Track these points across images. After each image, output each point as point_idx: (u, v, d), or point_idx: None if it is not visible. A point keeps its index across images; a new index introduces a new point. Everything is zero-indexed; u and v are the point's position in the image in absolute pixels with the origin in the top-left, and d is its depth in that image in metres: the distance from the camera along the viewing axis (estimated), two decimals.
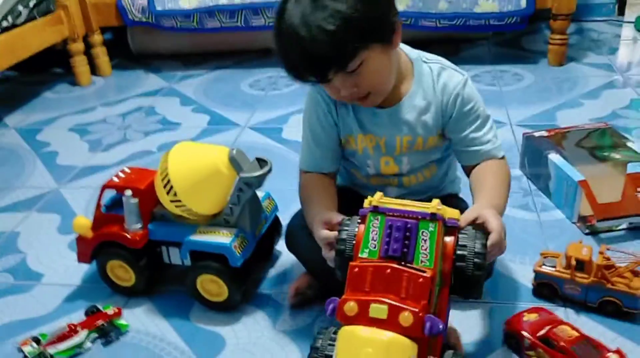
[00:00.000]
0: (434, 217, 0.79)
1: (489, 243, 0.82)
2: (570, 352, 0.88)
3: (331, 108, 1.03)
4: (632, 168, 1.27)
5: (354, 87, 0.92)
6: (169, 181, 1.05)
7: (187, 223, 1.11)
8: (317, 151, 1.06)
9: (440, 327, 0.73)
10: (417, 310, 0.73)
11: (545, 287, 1.08)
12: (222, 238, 1.07)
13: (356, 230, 0.83)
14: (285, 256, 1.24)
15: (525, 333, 0.95)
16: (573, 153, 1.38)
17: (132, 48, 2.59)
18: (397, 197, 1.10)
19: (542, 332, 0.93)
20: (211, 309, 1.13)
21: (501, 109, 1.88)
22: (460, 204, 1.10)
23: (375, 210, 0.82)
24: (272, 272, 1.23)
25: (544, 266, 1.08)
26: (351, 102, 0.99)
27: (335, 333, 0.81)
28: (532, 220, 1.32)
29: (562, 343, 0.90)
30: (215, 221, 1.11)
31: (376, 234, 0.81)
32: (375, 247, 0.80)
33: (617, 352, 0.89)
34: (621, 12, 2.74)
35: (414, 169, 1.07)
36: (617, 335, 0.99)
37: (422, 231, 0.79)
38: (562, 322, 0.96)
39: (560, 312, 1.04)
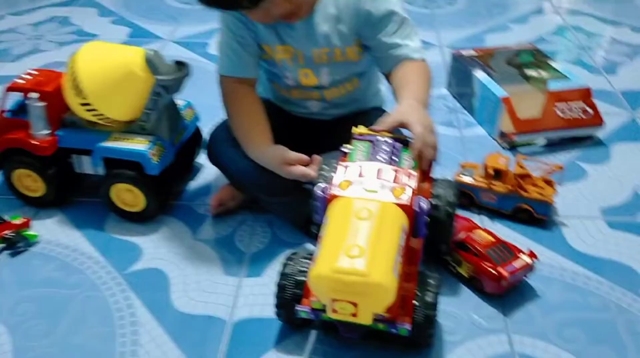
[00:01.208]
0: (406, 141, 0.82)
1: (414, 146, 0.81)
2: (485, 254, 0.91)
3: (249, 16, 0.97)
4: (552, 85, 1.30)
5: (286, 3, 0.89)
6: (78, 83, 0.98)
7: (100, 130, 1.05)
8: (240, 50, 1.00)
9: (426, 210, 0.75)
10: (409, 187, 0.74)
11: (463, 196, 1.10)
12: (138, 145, 1.02)
13: (332, 174, 0.81)
14: (207, 168, 1.21)
15: None
16: (502, 71, 1.39)
17: None
18: (320, 110, 1.09)
19: (459, 236, 0.95)
20: (128, 220, 1.09)
21: (432, 31, 1.87)
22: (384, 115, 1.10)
23: (361, 138, 0.83)
24: (193, 184, 1.20)
25: (462, 176, 1.10)
26: (275, 21, 0.94)
27: (305, 258, 0.82)
28: (454, 136, 1.34)
29: (476, 247, 0.92)
30: (130, 128, 1.05)
31: (362, 154, 0.82)
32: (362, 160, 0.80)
33: (530, 253, 0.92)
34: None
35: (335, 82, 1.04)
36: (528, 239, 1.03)
37: (405, 154, 0.82)
38: (478, 228, 0.98)
39: (476, 220, 1.06)
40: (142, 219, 1.08)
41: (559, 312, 0.90)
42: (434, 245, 0.86)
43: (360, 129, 0.86)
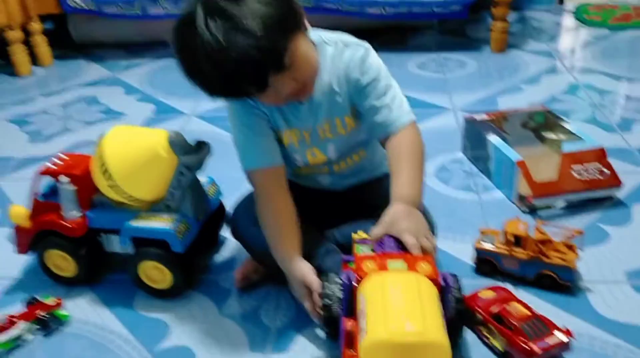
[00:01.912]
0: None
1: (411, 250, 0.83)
2: (519, 328, 0.90)
3: (257, 103, 0.99)
4: (567, 147, 1.32)
5: (292, 82, 0.89)
6: (105, 166, 1.03)
7: (127, 210, 1.09)
8: (259, 140, 1.01)
9: (452, 285, 0.77)
10: (433, 263, 0.75)
11: (485, 264, 1.11)
12: (163, 223, 1.06)
13: (338, 290, 0.83)
14: (231, 242, 1.23)
15: (478, 309, 0.96)
16: (517, 134, 1.41)
17: (74, 37, 2.52)
18: (330, 183, 1.11)
19: (494, 309, 0.95)
20: (155, 297, 1.11)
21: (445, 95, 1.92)
22: None
23: (362, 242, 0.86)
24: (218, 258, 1.22)
25: (483, 243, 1.11)
26: (286, 102, 0.95)
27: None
28: (472, 201, 1.36)
29: (511, 320, 0.92)
30: (156, 206, 1.09)
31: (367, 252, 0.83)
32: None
33: (566, 331, 0.91)
34: (562, 1, 2.82)
35: (343, 155, 1.07)
36: (553, 306, 1.03)
37: None
38: (515, 299, 0.98)
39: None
40: (169, 296, 1.10)
41: None
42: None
43: (360, 235, 0.89)
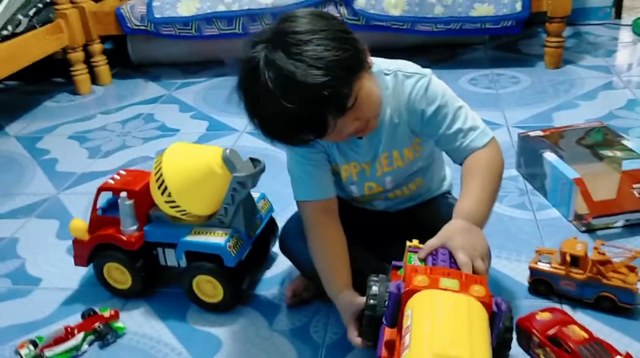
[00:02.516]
0: None
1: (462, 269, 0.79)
2: (576, 352, 0.87)
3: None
4: (627, 165, 1.27)
5: (355, 122, 0.87)
6: (163, 182, 1.06)
7: (182, 224, 1.12)
8: (315, 172, 1.00)
9: (504, 310, 0.74)
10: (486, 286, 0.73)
11: (541, 284, 1.08)
12: (217, 238, 1.08)
13: (387, 285, 0.81)
14: (282, 257, 1.24)
15: (534, 331, 0.94)
16: (572, 151, 1.38)
17: (132, 57, 2.61)
18: (385, 208, 1.10)
19: (551, 331, 0.92)
20: (207, 310, 1.13)
21: (498, 111, 1.89)
22: (450, 201, 1.11)
23: (414, 250, 0.84)
24: (269, 273, 1.23)
25: (539, 263, 1.08)
26: (348, 138, 0.93)
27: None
28: (528, 219, 1.32)
29: (569, 343, 0.89)
30: (210, 221, 1.11)
31: (418, 263, 0.81)
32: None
33: (627, 356, 0.87)
34: (618, 15, 2.75)
35: (399, 185, 1.06)
36: (613, 330, 0.99)
37: None
38: (574, 322, 0.94)
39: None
40: (221, 310, 1.12)
41: None
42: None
43: (415, 243, 0.86)
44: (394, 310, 0.76)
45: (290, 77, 0.80)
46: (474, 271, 0.79)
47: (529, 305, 1.04)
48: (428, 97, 0.95)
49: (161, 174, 1.06)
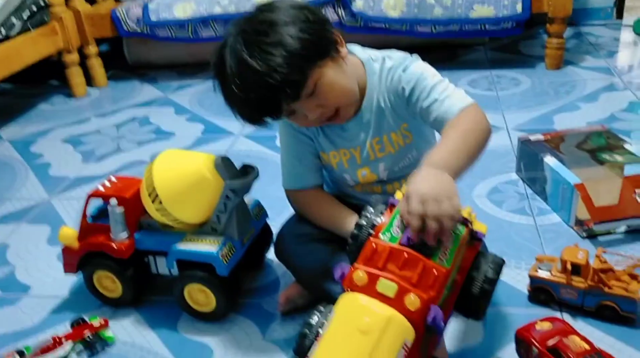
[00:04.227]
0: (464, 222, 0.78)
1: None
2: None
3: (303, 127, 1.02)
4: (629, 170, 1.25)
5: (319, 109, 0.91)
6: (154, 190, 1.03)
7: (174, 232, 1.09)
8: (299, 166, 1.06)
9: (442, 323, 0.72)
10: (425, 297, 0.71)
11: (541, 292, 1.05)
12: (209, 246, 1.05)
13: (378, 220, 0.81)
14: (277, 265, 1.22)
15: (534, 342, 0.91)
16: (573, 155, 1.35)
17: (128, 59, 2.59)
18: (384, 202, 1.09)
19: (551, 342, 0.89)
20: (199, 319, 1.10)
21: (498, 114, 1.86)
22: None
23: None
24: (263, 281, 1.21)
25: (539, 271, 1.05)
26: (322, 124, 0.97)
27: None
28: (528, 224, 1.30)
29: (569, 354, 0.86)
30: (202, 229, 1.08)
31: (401, 223, 0.78)
32: (397, 234, 0.78)
33: None
34: (619, 15, 2.72)
35: (395, 175, 1.05)
36: (615, 340, 0.97)
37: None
38: (574, 332, 0.92)
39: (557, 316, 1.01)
40: (213, 319, 1.09)
41: None
42: (464, 314, 0.83)
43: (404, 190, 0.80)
44: (341, 289, 0.76)
45: (244, 64, 0.84)
46: (425, 230, 0.74)
47: (528, 314, 1.02)
48: (408, 75, 0.95)
49: (152, 182, 1.04)
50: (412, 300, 0.71)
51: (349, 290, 0.75)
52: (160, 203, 1.03)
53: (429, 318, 0.71)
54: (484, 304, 0.80)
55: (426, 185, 0.75)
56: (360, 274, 0.73)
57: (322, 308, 0.81)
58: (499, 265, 0.81)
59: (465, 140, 0.84)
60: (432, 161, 0.80)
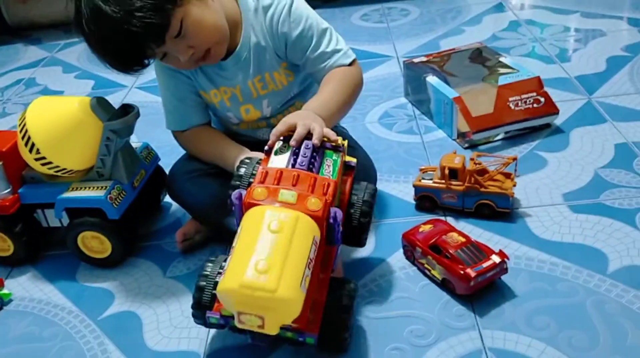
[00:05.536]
0: (338, 149, 0.83)
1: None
2: (455, 256, 0.91)
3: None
4: (503, 80, 1.32)
5: (189, 49, 0.89)
6: (30, 139, 1.00)
7: (60, 183, 1.07)
8: (181, 106, 1.05)
9: (341, 226, 0.77)
10: (324, 198, 0.75)
11: (425, 200, 1.11)
12: (97, 191, 1.04)
13: (255, 167, 0.83)
14: (176, 208, 1.22)
15: (417, 243, 0.97)
16: (466, 73, 1.40)
17: (8, 20, 2.43)
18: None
19: (432, 240, 0.95)
20: (98, 267, 1.10)
21: (389, 44, 1.90)
22: (338, 128, 1.12)
23: (283, 141, 0.84)
24: (162, 224, 1.21)
25: (422, 181, 1.11)
26: (197, 66, 0.96)
27: (226, 261, 0.81)
28: (416, 142, 1.35)
29: (447, 248, 0.92)
30: (89, 176, 1.07)
31: (284, 157, 0.81)
32: (281, 164, 0.81)
33: (500, 253, 0.92)
34: None
35: (279, 110, 1.06)
36: (494, 234, 1.04)
37: (327, 159, 0.82)
38: (453, 230, 0.98)
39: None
40: (111, 265, 1.09)
41: (527, 302, 0.90)
42: (353, 240, 0.87)
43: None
44: (239, 218, 0.77)
45: (99, 12, 0.81)
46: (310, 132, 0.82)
47: (416, 221, 1.06)
48: (291, 19, 0.95)
49: (26, 131, 1.00)
50: (314, 201, 0.74)
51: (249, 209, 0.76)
52: (38, 151, 1.00)
53: (330, 217, 0.75)
54: (365, 227, 0.86)
55: (297, 115, 0.85)
56: (259, 190, 0.76)
57: (213, 258, 0.83)
58: (373, 188, 0.87)
59: (339, 94, 0.93)
60: (308, 108, 0.89)
